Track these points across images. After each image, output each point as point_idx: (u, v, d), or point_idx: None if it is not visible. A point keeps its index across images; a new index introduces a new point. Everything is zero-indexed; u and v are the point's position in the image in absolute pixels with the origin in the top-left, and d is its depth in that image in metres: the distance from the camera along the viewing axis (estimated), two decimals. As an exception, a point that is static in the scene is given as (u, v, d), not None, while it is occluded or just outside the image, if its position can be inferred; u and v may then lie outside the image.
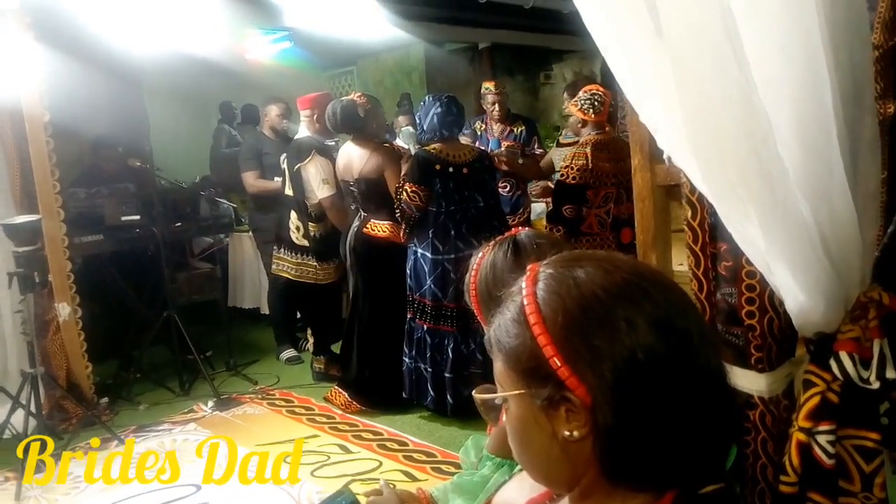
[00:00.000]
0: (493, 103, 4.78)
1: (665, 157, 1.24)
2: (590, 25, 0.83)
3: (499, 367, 0.80)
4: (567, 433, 0.73)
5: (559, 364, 0.72)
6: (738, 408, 1.08)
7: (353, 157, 3.85)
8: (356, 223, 3.96)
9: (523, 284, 0.78)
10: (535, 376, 0.74)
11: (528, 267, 0.81)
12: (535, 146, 4.90)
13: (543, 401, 0.74)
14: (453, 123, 3.61)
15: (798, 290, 0.99)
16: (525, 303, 0.76)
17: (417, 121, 3.73)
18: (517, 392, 0.77)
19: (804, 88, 0.90)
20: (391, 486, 1.54)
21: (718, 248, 1.17)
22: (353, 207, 4.11)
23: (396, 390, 3.80)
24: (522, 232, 1.38)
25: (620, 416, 0.70)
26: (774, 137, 0.83)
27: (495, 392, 0.83)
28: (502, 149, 4.58)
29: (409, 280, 3.70)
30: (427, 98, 3.68)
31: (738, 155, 0.80)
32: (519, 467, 1.15)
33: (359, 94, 4.00)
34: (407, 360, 3.73)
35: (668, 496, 0.76)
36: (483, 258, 1.36)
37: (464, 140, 4.34)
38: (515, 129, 4.88)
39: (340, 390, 4.00)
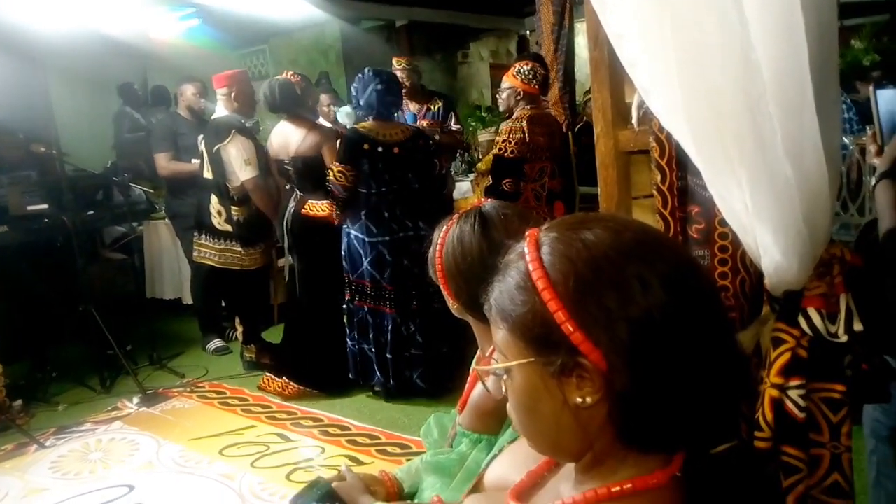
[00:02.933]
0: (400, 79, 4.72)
1: (633, 121, 1.24)
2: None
3: (502, 335, 0.76)
4: (579, 400, 0.71)
5: (572, 329, 0.69)
6: (748, 364, 1.10)
7: (290, 135, 3.77)
8: (293, 204, 3.87)
9: (525, 249, 0.75)
10: (544, 343, 0.72)
11: (527, 232, 0.78)
12: (452, 122, 4.88)
13: (555, 368, 0.71)
14: (391, 104, 3.54)
15: (776, 251, 1.01)
16: (531, 268, 0.73)
17: (354, 93, 3.60)
18: (526, 360, 0.74)
19: (784, 47, 0.90)
20: (352, 470, 1.50)
21: (689, 212, 1.18)
22: (287, 187, 4.00)
23: (339, 372, 3.75)
24: (487, 203, 1.35)
25: (637, 379, 0.69)
26: (767, 98, 0.83)
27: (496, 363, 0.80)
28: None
29: (343, 262, 3.62)
30: (366, 72, 3.54)
31: (734, 114, 0.80)
32: (501, 442, 1.13)
33: (291, 73, 3.93)
34: (350, 341, 3.67)
35: (679, 457, 0.76)
36: (447, 232, 1.32)
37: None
38: (433, 107, 4.85)
39: (272, 377, 3.90)
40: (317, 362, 3.78)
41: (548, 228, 0.77)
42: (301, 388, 3.79)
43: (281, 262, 5.13)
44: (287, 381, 3.81)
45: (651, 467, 0.75)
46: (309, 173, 3.72)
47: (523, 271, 0.74)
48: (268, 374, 3.95)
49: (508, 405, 0.80)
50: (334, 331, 3.72)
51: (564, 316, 0.70)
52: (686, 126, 0.87)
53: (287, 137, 3.78)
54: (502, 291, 0.76)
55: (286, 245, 3.93)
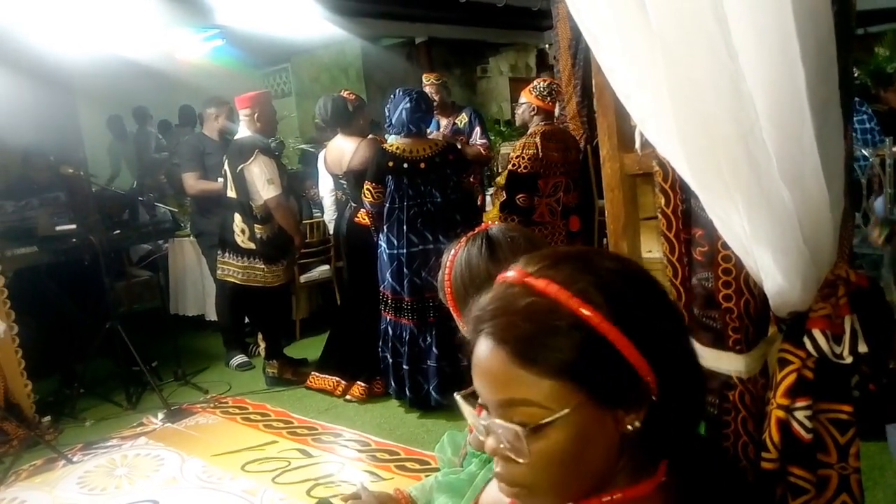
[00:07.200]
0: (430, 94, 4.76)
1: (636, 146, 1.26)
2: (578, 15, 0.83)
3: (547, 386, 0.71)
4: (630, 427, 0.73)
5: (633, 353, 0.71)
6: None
7: (345, 150, 4.01)
8: (348, 213, 4.12)
9: (556, 296, 0.73)
10: (600, 376, 0.71)
11: (541, 284, 0.74)
12: (479, 136, 4.88)
13: (609, 399, 0.72)
14: (420, 119, 3.64)
15: (777, 273, 1.02)
16: (574, 306, 0.72)
17: (387, 113, 3.71)
18: (576, 403, 0.71)
19: (779, 74, 0.92)
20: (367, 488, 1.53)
21: (693, 234, 1.19)
22: (342, 199, 4.26)
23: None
24: (493, 226, 1.37)
25: (666, 394, 0.73)
26: (760, 125, 0.85)
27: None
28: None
29: (378, 272, 3.74)
30: (397, 92, 3.68)
31: (728, 142, 0.82)
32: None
33: (348, 91, 4.19)
34: (380, 348, 3.78)
35: (663, 464, 0.79)
36: (455, 256, 1.33)
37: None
38: (459, 123, 4.88)
39: (325, 376, 4.10)
40: (360, 360, 3.96)
41: (558, 271, 0.76)
42: (363, 386, 3.95)
43: (303, 279, 5.19)
44: (339, 379, 4.01)
45: (638, 477, 0.78)
46: (359, 185, 3.89)
47: (565, 315, 0.72)
48: (318, 374, 4.15)
49: (531, 469, 0.72)
50: (377, 333, 3.84)
51: (625, 342, 0.71)
52: (682, 154, 0.89)
53: (341, 152, 4.02)
54: (535, 346, 0.72)
55: (343, 252, 4.20)
